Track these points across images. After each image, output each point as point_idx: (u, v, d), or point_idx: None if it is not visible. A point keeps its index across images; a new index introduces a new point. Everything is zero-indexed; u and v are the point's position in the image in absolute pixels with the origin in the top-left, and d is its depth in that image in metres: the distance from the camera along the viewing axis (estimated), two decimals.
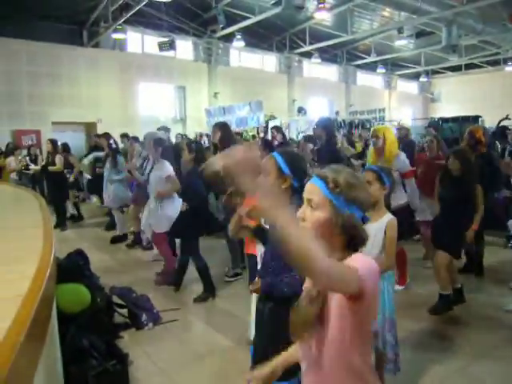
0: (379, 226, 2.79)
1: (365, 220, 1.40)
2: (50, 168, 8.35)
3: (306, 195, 1.42)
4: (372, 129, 5.36)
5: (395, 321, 2.86)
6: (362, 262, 1.30)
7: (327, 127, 5.62)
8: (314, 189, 1.39)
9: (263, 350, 2.09)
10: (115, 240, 7.41)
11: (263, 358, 2.06)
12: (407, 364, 3.20)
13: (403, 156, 4.69)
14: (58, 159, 8.39)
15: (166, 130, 7.86)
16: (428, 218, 5.28)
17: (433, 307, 4.17)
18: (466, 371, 3.24)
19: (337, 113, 18.65)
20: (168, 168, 5.25)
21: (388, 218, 2.81)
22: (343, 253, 1.37)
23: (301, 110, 17.21)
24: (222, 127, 5.30)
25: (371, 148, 5.07)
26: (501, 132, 9.52)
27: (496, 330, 3.93)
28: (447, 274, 4.13)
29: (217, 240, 6.58)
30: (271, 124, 14.02)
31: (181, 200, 5.15)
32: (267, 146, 6.46)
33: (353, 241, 1.38)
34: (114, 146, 7.55)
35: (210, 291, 4.79)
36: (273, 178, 2.13)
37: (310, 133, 9.22)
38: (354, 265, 1.26)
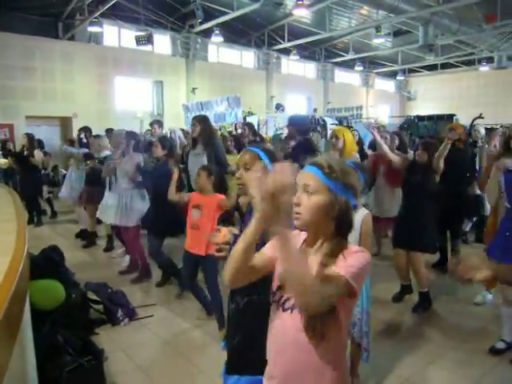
0: (355, 222, 2.82)
1: (355, 208, 1.45)
2: (32, 159, 8.20)
3: (301, 181, 1.42)
4: (332, 130, 5.40)
5: (370, 312, 2.93)
6: (357, 256, 1.38)
7: (300, 125, 5.59)
8: (310, 175, 1.42)
9: (236, 343, 2.09)
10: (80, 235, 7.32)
11: (236, 352, 2.08)
12: (380, 354, 3.27)
13: (357, 156, 4.88)
14: (37, 154, 8.27)
15: (159, 124, 7.83)
16: (386, 214, 5.39)
17: (415, 307, 4.25)
18: (436, 363, 3.32)
19: (315, 110, 18.72)
20: (138, 158, 5.24)
21: (363, 212, 2.86)
22: (333, 240, 1.42)
23: (279, 107, 17.22)
24: (202, 121, 5.23)
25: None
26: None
27: (465, 321, 4.03)
28: (425, 270, 4.24)
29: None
30: (249, 120, 14.01)
31: (144, 192, 5.21)
32: (236, 142, 6.45)
33: (341, 228, 1.42)
34: (84, 140, 7.51)
35: (172, 274, 4.79)
36: (259, 173, 2.08)
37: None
38: (347, 263, 1.34)
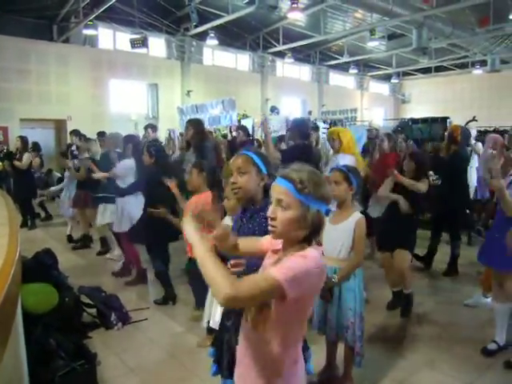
0: (347, 226, 2.84)
1: (327, 212, 1.51)
2: (15, 163, 8.16)
3: (274, 195, 1.50)
4: (328, 131, 5.35)
5: (363, 316, 2.93)
6: (297, 260, 1.41)
7: (301, 129, 5.48)
8: (282, 190, 1.47)
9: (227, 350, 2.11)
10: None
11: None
12: (373, 357, 3.28)
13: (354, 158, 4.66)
14: (26, 157, 8.22)
15: (153, 128, 7.74)
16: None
17: (403, 310, 4.22)
18: (429, 366, 3.33)
19: (309, 112, 18.74)
20: (121, 165, 5.19)
21: (356, 217, 2.87)
22: (298, 245, 1.50)
23: (274, 110, 17.21)
24: (195, 124, 5.27)
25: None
26: None
27: (459, 324, 4.04)
28: (409, 271, 4.23)
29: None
30: (243, 123, 13.99)
31: (142, 199, 5.05)
32: (231, 146, 6.41)
33: (311, 234, 1.50)
34: (75, 152, 7.43)
35: (170, 295, 4.65)
36: (252, 176, 2.09)
37: (283, 132, 9.17)
38: (285, 264, 1.39)
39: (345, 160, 4.34)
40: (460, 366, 3.30)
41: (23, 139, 8.42)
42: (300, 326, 1.55)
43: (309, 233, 1.48)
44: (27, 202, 8.43)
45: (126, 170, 5.18)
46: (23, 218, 8.39)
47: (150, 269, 5.07)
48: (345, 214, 2.89)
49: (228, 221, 3.00)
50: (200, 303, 3.86)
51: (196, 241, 1.42)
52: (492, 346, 3.46)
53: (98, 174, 5.55)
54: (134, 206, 5.11)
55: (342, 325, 2.86)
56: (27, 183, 8.41)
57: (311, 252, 1.45)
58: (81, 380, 2.82)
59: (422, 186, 4.20)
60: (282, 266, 1.37)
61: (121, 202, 5.20)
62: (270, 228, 1.51)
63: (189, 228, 1.48)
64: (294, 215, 1.44)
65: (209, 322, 3.12)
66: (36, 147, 8.92)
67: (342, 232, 2.85)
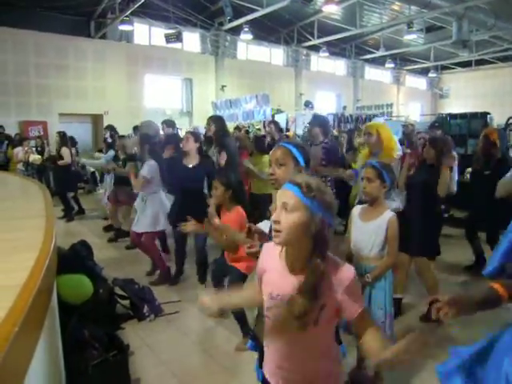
0: (379, 224, 2.78)
1: (330, 226, 1.48)
2: (59, 162, 8.43)
3: (280, 199, 1.49)
4: (364, 126, 5.01)
5: (393, 316, 2.88)
6: (353, 286, 1.50)
7: (324, 125, 5.30)
8: (288, 193, 1.47)
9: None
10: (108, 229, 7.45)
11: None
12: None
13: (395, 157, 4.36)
14: (67, 153, 8.47)
15: (168, 124, 7.49)
16: None
17: (425, 315, 3.90)
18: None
19: (344, 107, 18.55)
20: (145, 169, 5.01)
21: (389, 215, 2.79)
22: (317, 259, 1.46)
23: (308, 104, 17.10)
24: (217, 120, 5.27)
25: (363, 151, 4.86)
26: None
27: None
28: (432, 274, 4.02)
29: None
30: (277, 118, 13.96)
31: (163, 195, 5.07)
32: (258, 143, 6.32)
33: (318, 245, 1.46)
34: (109, 140, 7.55)
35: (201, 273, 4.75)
36: (289, 168, 2.12)
37: None
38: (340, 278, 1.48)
39: None
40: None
41: (61, 134, 8.65)
42: None
43: (315, 243, 1.46)
44: (65, 195, 8.67)
45: (154, 173, 5.05)
46: (64, 210, 8.63)
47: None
48: (376, 212, 2.83)
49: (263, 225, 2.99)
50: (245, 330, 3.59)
51: None
52: None
53: (134, 182, 5.39)
54: (156, 205, 5.07)
55: None
56: (67, 177, 8.70)
57: (348, 268, 1.53)
58: (113, 370, 2.86)
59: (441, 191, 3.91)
60: (358, 299, 1.51)
61: (158, 199, 5.12)
62: (273, 233, 1.50)
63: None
64: (299, 218, 1.43)
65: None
66: (71, 141, 9.14)
67: (373, 230, 2.79)
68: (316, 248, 1.46)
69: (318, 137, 5.02)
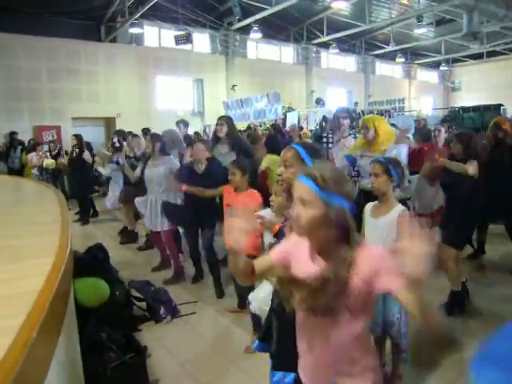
0: (390, 219, 2.75)
1: (352, 210, 1.46)
2: (84, 156, 8.54)
3: (297, 194, 1.48)
4: (361, 119, 4.96)
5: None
6: (370, 251, 1.46)
7: (352, 118, 5.25)
8: (304, 188, 1.46)
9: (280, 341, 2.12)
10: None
11: (280, 350, 2.12)
12: (421, 356, 3.18)
13: (402, 150, 4.40)
14: (88, 155, 8.58)
15: (185, 124, 7.63)
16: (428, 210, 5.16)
17: (446, 306, 3.95)
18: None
19: (356, 104, 18.46)
20: (175, 162, 5.19)
21: (399, 209, 2.77)
22: (343, 247, 1.44)
23: (319, 102, 17.07)
24: (227, 120, 5.29)
25: (356, 142, 4.83)
26: None
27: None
28: (456, 266, 3.98)
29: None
30: (289, 116, 13.93)
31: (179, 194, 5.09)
32: (271, 142, 6.29)
33: (347, 234, 1.44)
34: (116, 144, 7.61)
35: (217, 289, 4.72)
36: (297, 170, 2.09)
37: None
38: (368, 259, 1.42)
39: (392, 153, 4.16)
40: None
41: (78, 137, 8.74)
42: None
43: (339, 232, 1.44)
44: (86, 198, 8.78)
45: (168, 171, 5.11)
46: (79, 213, 8.73)
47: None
48: (386, 208, 2.81)
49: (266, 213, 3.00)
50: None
51: None
52: None
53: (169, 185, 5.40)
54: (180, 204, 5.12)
55: (387, 320, 2.79)
56: (85, 180, 8.80)
57: (367, 247, 1.48)
58: (131, 372, 2.88)
59: (469, 168, 3.84)
60: (392, 273, 1.38)
61: (158, 200, 5.13)
62: (294, 227, 1.51)
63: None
64: (316, 213, 1.42)
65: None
66: (88, 146, 9.25)
67: (384, 226, 2.76)
68: (340, 236, 1.44)
69: (346, 129, 4.99)
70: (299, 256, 1.59)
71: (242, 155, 4.88)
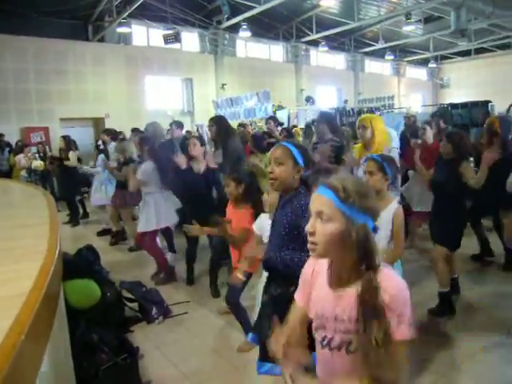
0: (385, 216, 2.76)
1: (374, 230, 1.33)
2: (66, 162, 8.40)
3: (314, 207, 1.33)
4: (358, 118, 4.92)
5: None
6: (400, 299, 1.28)
7: (331, 122, 5.21)
8: (323, 200, 1.31)
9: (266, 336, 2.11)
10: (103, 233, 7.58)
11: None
12: (414, 351, 3.19)
13: (394, 152, 4.37)
14: (73, 156, 8.47)
15: (178, 125, 7.41)
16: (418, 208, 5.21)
17: (434, 309, 3.93)
18: (474, 359, 3.21)
19: (345, 101, 18.51)
20: (140, 170, 5.06)
21: (394, 206, 2.79)
22: (360, 271, 1.30)
23: (309, 100, 17.10)
24: (217, 121, 5.22)
25: (356, 145, 4.80)
26: None
27: (507, 315, 3.87)
28: (445, 267, 3.94)
29: None
30: (279, 114, 13.94)
31: (163, 195, 5.08)
32: (256, 141, 6.23)
33: (363, 254, 1.29)
34: (101, 146, 7.59)
35: (213, 290, 4.67)
36: (289, 167, 2.13)
37: None
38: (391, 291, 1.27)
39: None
40: (508, 360, 3.17)
41: (66, 139, 8.63)
42: None
43: (359, 252, 1.28)
44: (72, 199, 8.70)
45: (148, 175, 5.03)
46: (69, 215, 8.65)
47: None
48: (381, 205, 2.81)
49: (265, 219, 3.00)
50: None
51: None
52: None
53: (130, 183, 5.38)
54: (163, 205, 5.08)
55: None
56: (73, 181, 8.68)
57: (388, 273, 1.32)
58: (124, 373, 2.86)
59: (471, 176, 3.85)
60: (402, 321, 1.25)
61: (152, 199, 5.09)
62: (309, 246, 1.33)
63: None
64: (336, 229, 1.27)
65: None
66: (73, 145, 9.13)
67: (378, 223, 2.77)
68: (361, 258, 1.28)
69: (326, 134, 4.93)
70: (320, 284, 1.45)
71: (229, 156, 4.85)
